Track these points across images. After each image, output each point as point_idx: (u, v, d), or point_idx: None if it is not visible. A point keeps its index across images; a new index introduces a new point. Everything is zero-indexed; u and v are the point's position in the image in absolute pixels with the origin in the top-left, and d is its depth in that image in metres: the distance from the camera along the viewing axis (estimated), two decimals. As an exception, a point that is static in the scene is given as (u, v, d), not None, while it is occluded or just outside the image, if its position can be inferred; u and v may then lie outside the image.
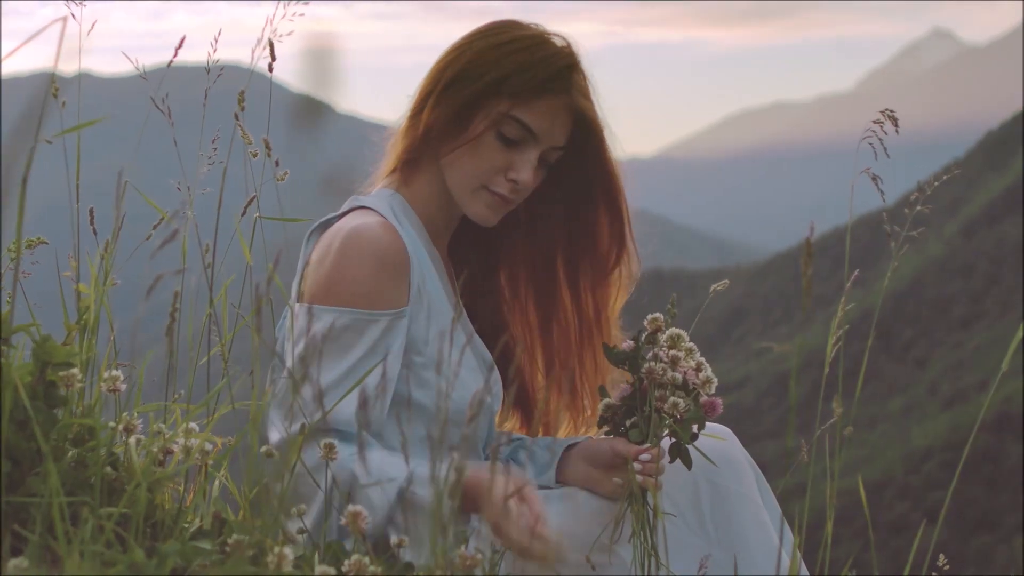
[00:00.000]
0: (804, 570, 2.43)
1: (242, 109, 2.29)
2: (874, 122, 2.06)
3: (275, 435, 2.18)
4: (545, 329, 2.62)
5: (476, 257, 2.62)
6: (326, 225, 2.42)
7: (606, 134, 2.49)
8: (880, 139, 2.03)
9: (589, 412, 2.62)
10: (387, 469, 2.15)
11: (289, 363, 2.24)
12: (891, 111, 2.05)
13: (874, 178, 2.03)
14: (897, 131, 2.03)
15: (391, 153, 2.52)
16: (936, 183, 2.06)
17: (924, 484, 47.94)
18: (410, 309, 2.32)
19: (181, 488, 2.06)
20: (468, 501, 2.12)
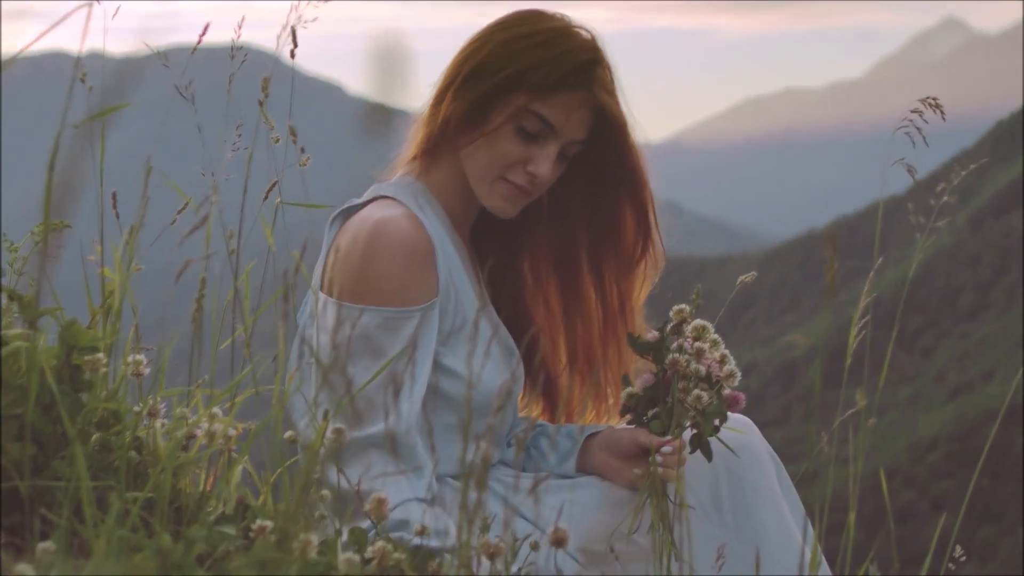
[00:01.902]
0: (825, 568, 2.43)
1: (266, 96, 2.29)
2: (912, 111, 2.04)
3: (301, 422, 2.18)
4: (569, 319, 2.62)
5: (499, 246, 2.61)
6: (348, 212, 2.41)
7: (630, 127, 2.46)
8: (919, 128, 2.01)
9: (612, 401, 2.61)
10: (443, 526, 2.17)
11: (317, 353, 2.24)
12: (933, 99, 2.03)
13: (909, 168, 2.01)
14: (943, 118, 2.01)
15: (412, 140, 2.52)
16: (963, 172, 2.04)
17: (929, 474, 47.94)
18: (440, 299, 2.31)
19: (203, 473, 2.07)
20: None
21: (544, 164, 2.39)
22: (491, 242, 2.60)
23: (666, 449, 2.32)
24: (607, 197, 2.53)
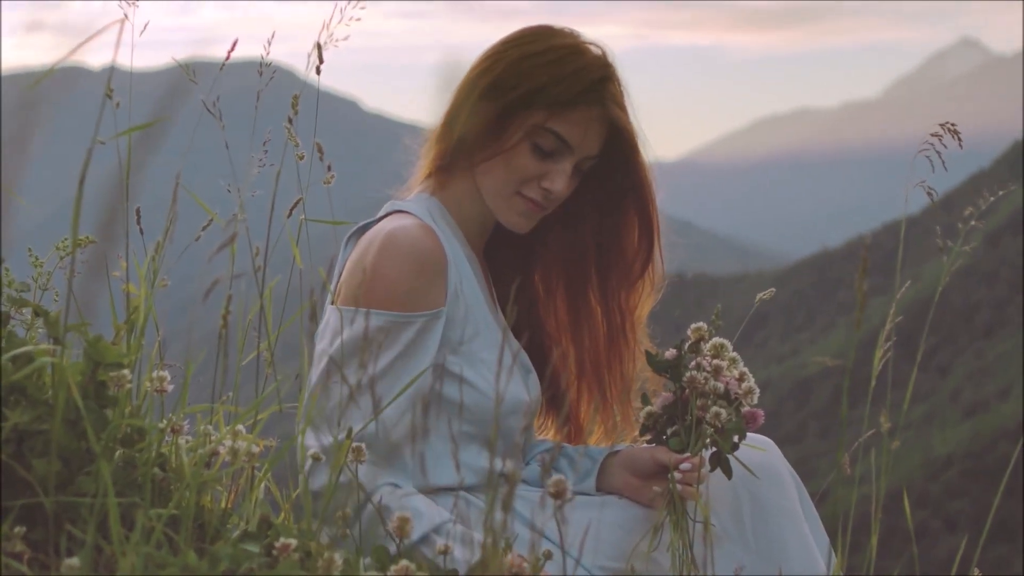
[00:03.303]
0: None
1: (295, 113, 2.29)
2: (932, 135, 2.06)
3: (311, 440, 2.18)
4: (576, 332, 2.63)
5: (512, 260, 2.63)
6: (364, 229, 2.43)
7: (639, 142, 2.49)
8: (939, 152, 2.02)
9: (620, 417, 2.62)
10: (420, 507, 2.17)
11: (314, 367, 2.25)
12: (952, 124, 2.04)
13: (929, 192, 2.02)
14: (961, 145, 2.02)
15: (426, 158, 2.53)
16: (992, 198, 2.05)
17: (944, 492, 47.78)
18: (447, 310, 2.32)
19: (224, 491, 2.07)
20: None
21: (559, 180, 2.41)
22: (504, 256, 2.61)
23: (685, 466, 2.31)
24: (614, 209, 2.56)
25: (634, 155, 2.49)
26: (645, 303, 2.61)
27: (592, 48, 2.45)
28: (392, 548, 1.90)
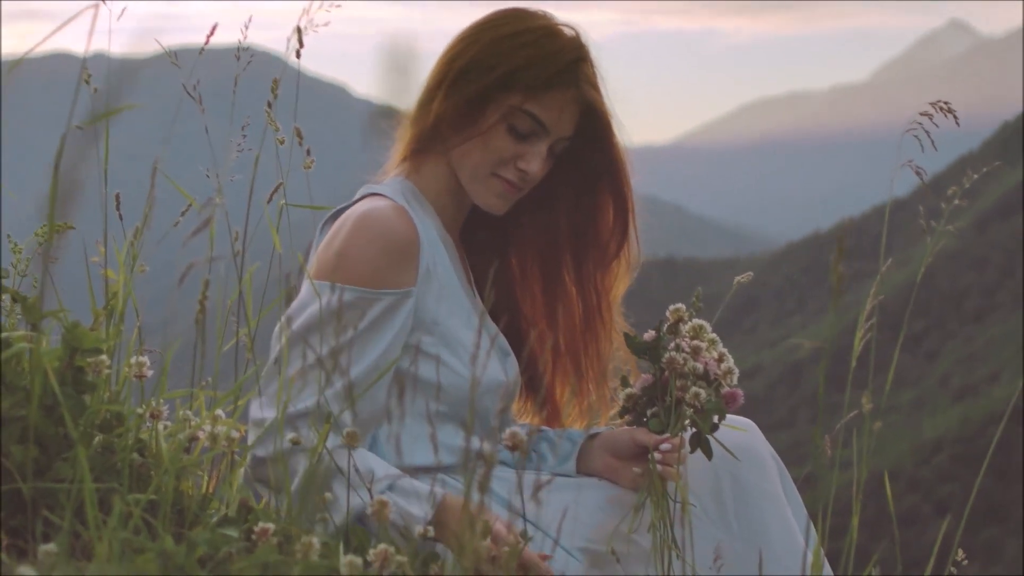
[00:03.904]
0: (828, 570, 2.42)
1: (275, 98, 2.29)
2: (922, 114, 2.04)
3: (256, 413, 2.17)
4: (552, 313, 2.64)
5: (488, 242, 2.64)
6: (339, 213, 2.43)
7: (613, 123, 2.51)
8: (927, 131, 2.01)
9: (595, 397, 2.63)
10: (372, 465, 2.17)
11: (281, 340, 2.25)
12: (944, 103, 2.03)
13: (918, 171, 2.01)
14: (957, 122, 2.01)
15: (401, 141, 2.54)
16: (976, 176, 2.04)
17: (934, 477, 47.90)
18: (417, 289, 2.32)
19: (205, 475, 2.07)
20: (441, 527, 2.15)
21: (535, 162, 2.43)
22: (480, 239, 2.63)
23: (665, 447, 2.32)
24: (589, 190, 2.58)
25: (608, 136, 2.51)
26: (620, 283, 2.63)
27: (566, 30, 2.47)
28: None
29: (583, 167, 2.55)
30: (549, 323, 2.64)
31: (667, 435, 2.33)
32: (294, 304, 2.27)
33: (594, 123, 2.49)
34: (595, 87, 2.46)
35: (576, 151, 2.52)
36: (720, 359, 2.36)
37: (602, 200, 2.57)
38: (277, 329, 2.33)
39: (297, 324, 2.21)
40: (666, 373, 2.35)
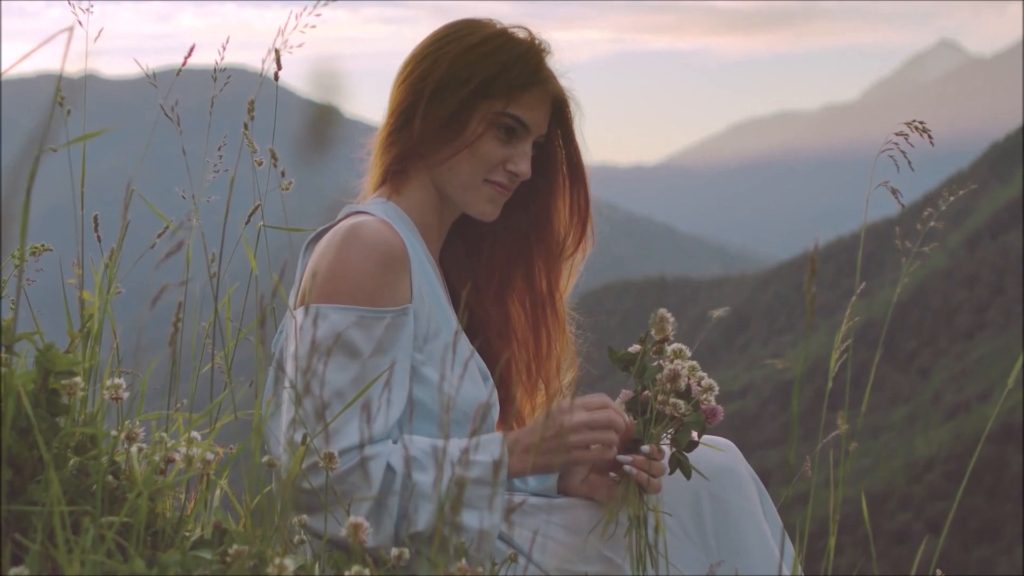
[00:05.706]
0: (807, 585, 2.42)
1: (251, 119, 2.29)
2: (897, 134, 2.05)
3: (277, 447, 2.17)
4: (500, 304, 2.65)
5: (460, 259, 2.64)
6: (322, 235, 2.42)
7: (572, 109, 2.57)
8: (903, 151, 2.02)
9: (545, 394, 2.66)
10: (432, 444, 2.22)
11: (289, 369, 2.23)
12: (920, 122, 2.04)
13: (893, 191, 2.02)
14: (932, 142, 2.02)
15: (376, 166, 2.53)
16: (951, 198, 2.05)
17: (927, 494, 47.91)
18: (414, 306, 2.32)
19: (182, 497, 2.06)
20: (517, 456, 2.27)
21: (524, 162, 2.47)
22: (453, 257, 2.64)
23: (644, 448, 2.32)
24: (550, 183, 2.61)
25: (570, 123, 2.58)
26: (571, 277, 2.67)
27: (519, 31, 2.51)
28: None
29: (550, 160, 2.59)
30: (516, 333, 2.65)
31: (646, 445, 2.32)
32: (294, 332, 2.24)
33: (561, 116, 2.56)
34: (557, 80, 2.52)
35: (544, 144, 2.57)
36: (699, 380, 2.36)
37: (559, 192, 2.61)
38: (277, 356, 2.33)
39: (303, 353, 2.17)
40: (646, 392, 2.35)
